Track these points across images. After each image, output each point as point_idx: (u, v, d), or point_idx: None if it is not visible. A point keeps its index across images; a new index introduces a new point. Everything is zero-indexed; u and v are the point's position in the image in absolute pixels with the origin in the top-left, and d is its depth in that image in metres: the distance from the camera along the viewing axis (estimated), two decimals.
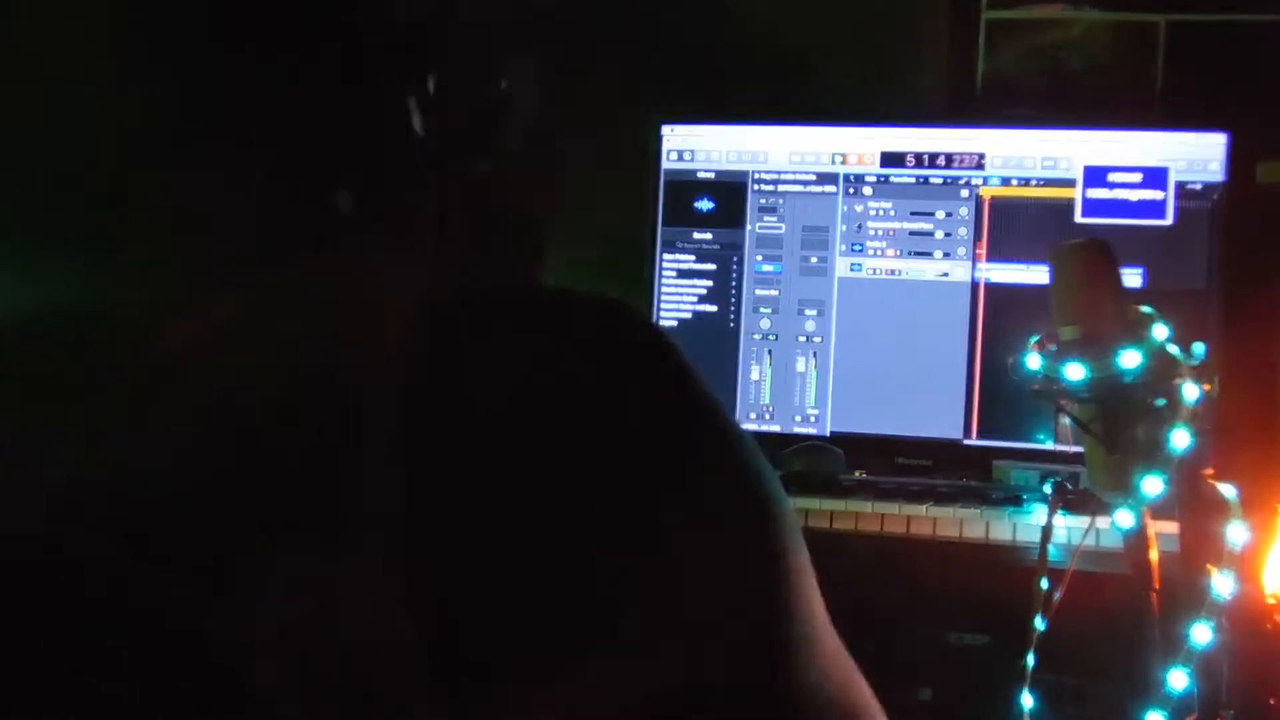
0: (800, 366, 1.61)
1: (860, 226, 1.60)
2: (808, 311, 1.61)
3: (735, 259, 1.64)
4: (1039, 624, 1.13)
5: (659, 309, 1.66)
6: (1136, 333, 1.08)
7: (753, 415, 1.63)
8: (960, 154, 1.58)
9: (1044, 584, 1.13)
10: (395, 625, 0.42)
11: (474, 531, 0.43)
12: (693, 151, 1.66)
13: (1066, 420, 1.13)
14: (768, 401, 1.62)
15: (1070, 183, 1.55)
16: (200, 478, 0.44)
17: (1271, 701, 1.17)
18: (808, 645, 0.46)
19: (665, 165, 1.66)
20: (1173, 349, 1.08)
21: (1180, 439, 1.07)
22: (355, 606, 0.43)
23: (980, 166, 1.58)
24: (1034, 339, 1.13)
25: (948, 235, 1.58)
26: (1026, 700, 1.13)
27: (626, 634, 0.44)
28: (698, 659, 0.45)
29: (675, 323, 1.65)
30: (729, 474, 0.47)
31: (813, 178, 1.62)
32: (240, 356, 0.46)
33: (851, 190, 1.61)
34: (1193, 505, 1.09)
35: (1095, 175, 1.54)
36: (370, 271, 0.50)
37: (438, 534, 0.43)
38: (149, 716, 0.42)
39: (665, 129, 1.67)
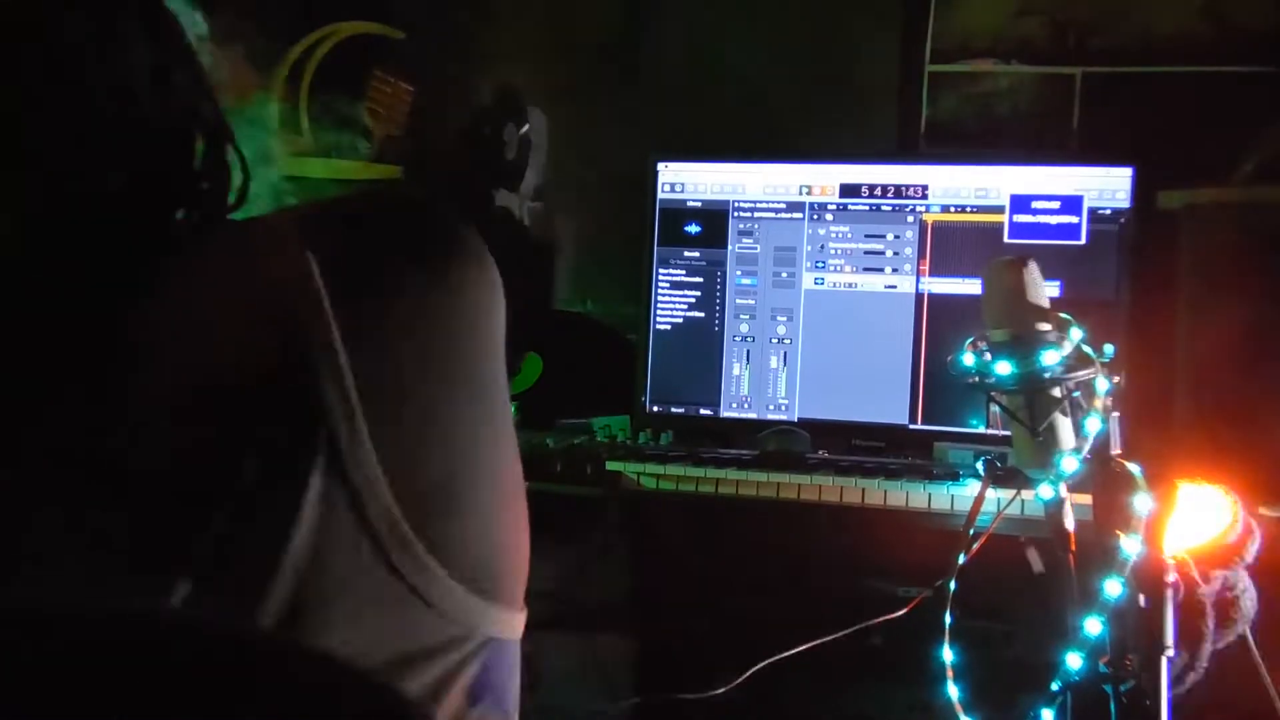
0: (773, 363, 1.59)
1: (822, 247, 1.58)
2: (779, 318, 1.60)
3: (719, 274, 1.62)
4: (960, 559, 1.12)
5: (656, 315, 1.63)
6: (1056, 335, 1.07)
7: (734, 404, 1.60)
8: (907, 186, 1.56)
9: (969, 533, 1.13)
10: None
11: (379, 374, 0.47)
12: (683, 184, 1.64)
13: (996, 409, 1.11)
14: (746, 393, 1.60)
15: (999, 209, 1.53)
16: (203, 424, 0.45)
17: (1170, 647, 1.11)
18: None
19: (660, 196, 1.64)
20: (1087, 349, 1.07)
21: (1093, 425, 1.06)
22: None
23: (924, 196, 1.55)
24: (969, 340, 1.11)
25: (896, 254, 1.56)
26: (947, 619, 1.12)
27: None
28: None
29: (669, 326, 1.63)
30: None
31: (783, 206, 1.60)
32: (200, 316, 0.47)
33: (815, 216, 1.59)
34: (1104, 480, 1.06)
35: (1020, 203, 1.52)
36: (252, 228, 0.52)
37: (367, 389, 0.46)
38: None
39: (660, 165, 1.64)
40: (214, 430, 0.45)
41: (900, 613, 1.19)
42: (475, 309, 0.52)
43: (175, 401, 0.45)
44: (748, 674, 1.26)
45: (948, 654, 1.11)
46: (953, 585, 1.10)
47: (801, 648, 1.22)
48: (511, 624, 0.52)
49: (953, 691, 1.11)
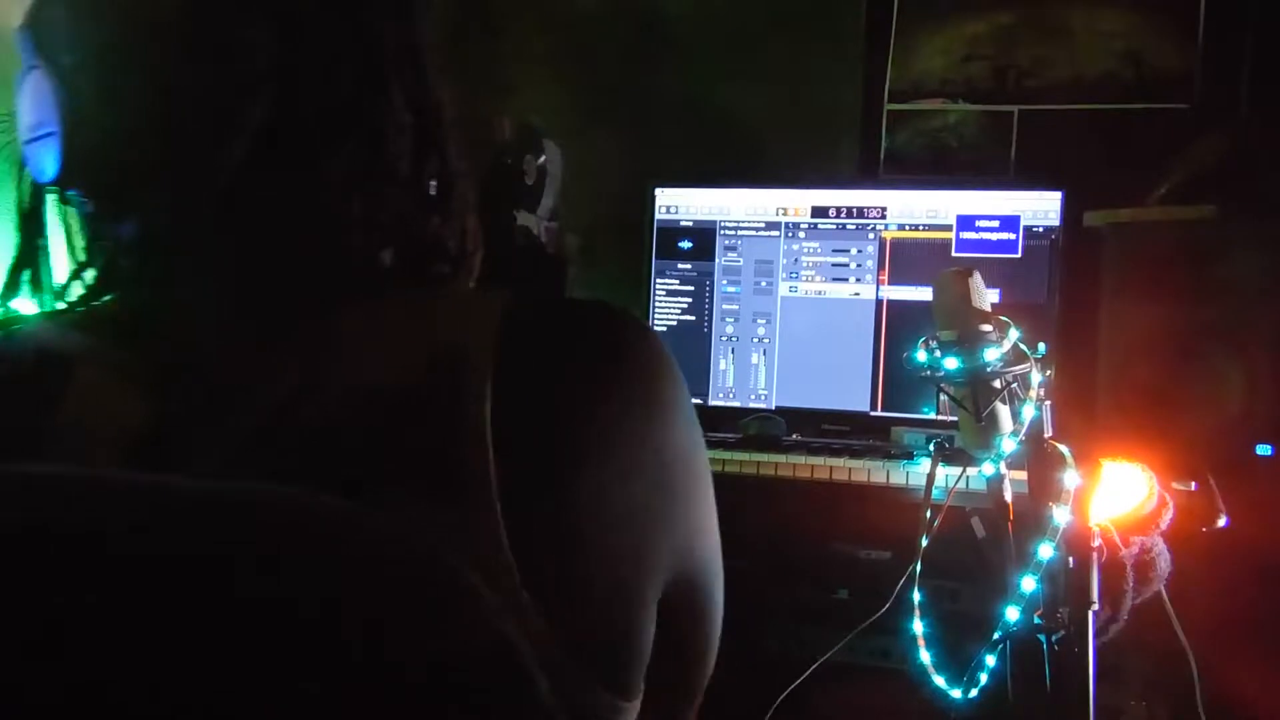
0: (754, 359, 1.57)
1: (796, 260, 1.56)
2: (759, 320, 1.57)
3: (707, 283, 1.60)
4: (924, 542, 1.09)
5: (653, 318, 1.62)
6: (996, 335, 1.05)
7: (720, 394, 1.59)
8: (868, 207, 1.54)
9: (927, 514, 1.10)
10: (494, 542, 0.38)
11: (538, 469, 0.40)
12: (677, 206, 1.62)
13: (945, 398, 1.09)
14: (731, 384, 1.58)
15: (948, 227, 1.50)
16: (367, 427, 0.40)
17: (1096, 602, 1.10)
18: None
19: (657, 216, 1.62)
20: (1023, 347, 1.05)
21: (1028, 412, 1.04)
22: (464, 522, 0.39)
23: (883, 216, 1.53)
24: (922, 339, 1.08)
25: (859, 266, 1.54)
26: (916, 596, 1.10)
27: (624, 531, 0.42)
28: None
29: (665, 328, 1.61)
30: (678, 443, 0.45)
31: (762, 225, 1.58)
32: (391, 348, 0.42)
33: (790, 234, 1.57)
34: (1038, 459, 1.04)
35: (966, 222, 1.50)
36: (463, 292, 0.48)
37: (514, 472, 0.39)
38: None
39: (657, 190, 1.62)
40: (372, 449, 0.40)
41: (883, 609, 1.16)
42: (649, 452, 0.43)
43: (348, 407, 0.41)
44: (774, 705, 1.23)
45: (918, 625, 1.09)
46: (919, 567, 1.08)
47: (815, 665, 1.19)
48: (632, 713, 0.43)
49: (924, 656, 1.08)
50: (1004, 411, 1.04)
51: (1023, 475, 1.07)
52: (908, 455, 1.37)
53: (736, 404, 1.57)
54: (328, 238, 0.44)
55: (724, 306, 1.59)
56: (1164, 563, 1.16)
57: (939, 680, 1.08)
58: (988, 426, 1.04)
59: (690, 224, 1.60)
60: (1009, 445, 1.03)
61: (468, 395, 0.40)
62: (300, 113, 0.43)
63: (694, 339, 1.59)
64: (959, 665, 1.08)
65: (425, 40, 0.47)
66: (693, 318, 1.59)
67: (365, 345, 0.42)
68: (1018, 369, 1.04)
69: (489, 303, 0.43)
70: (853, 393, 1.52)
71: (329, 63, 0.43)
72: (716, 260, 1.59)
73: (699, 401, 1.59)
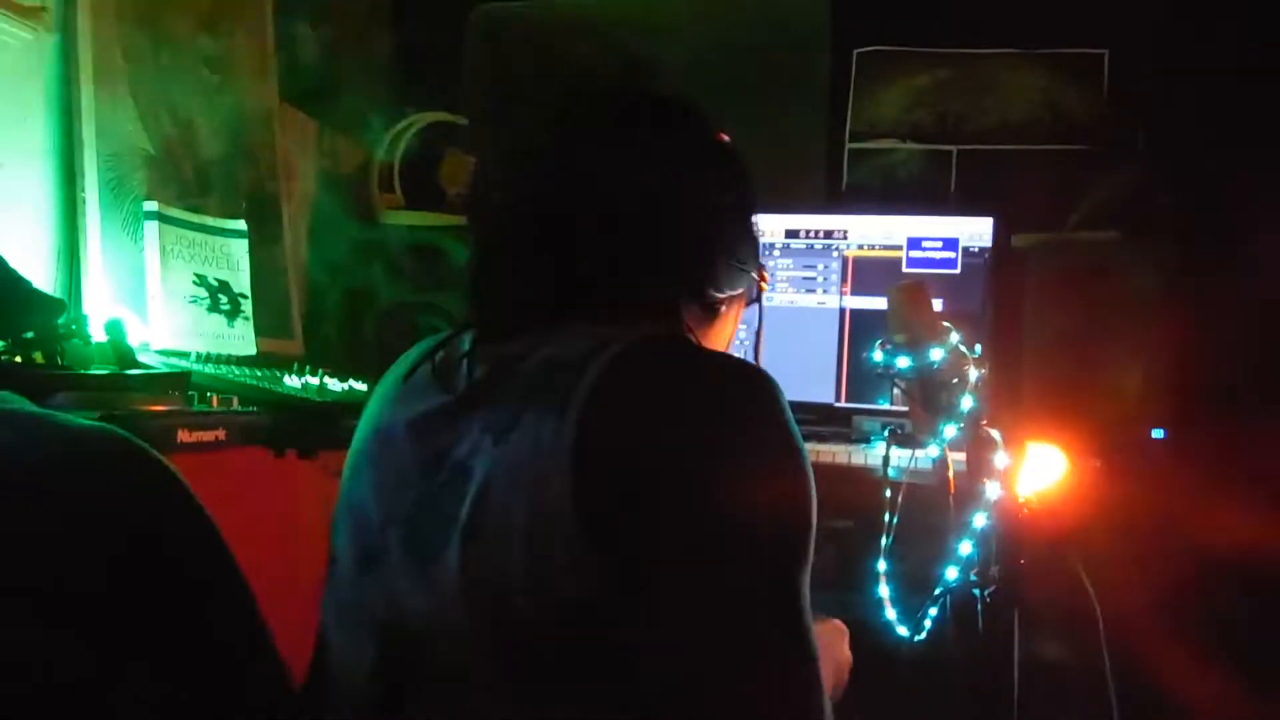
0: None
1: (772, 274, 1.60)
2: (741, 326, 1.57)
3: None
4: (888, 518, 1.12)
5: None
6: (941, 338, 1.08)
7: None
8: (833, 230, 1.59)
9: (887, 493, 1.13)
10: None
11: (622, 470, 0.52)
12: None
13: (898, 391, 1.12)
14: None
15: (899, 247, 1.56)
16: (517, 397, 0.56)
17: (1021, 561, 1.16)
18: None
19: None
20: (962, 348, 1.08)
21: (967, 403, 1.07)
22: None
23: (845, 238, 1.59)
24: (878, 341, 1.12)
25: (825, 279, 1.59)
26: (882, 565, 1.13)
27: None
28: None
29: None
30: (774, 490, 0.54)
31: None
32: (535, 357, 0.58)
33: (766, 253, 1.61)
34: (975, 443, 1.09)
35: (914, 243, 1.56)
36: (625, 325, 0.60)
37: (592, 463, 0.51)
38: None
39: None
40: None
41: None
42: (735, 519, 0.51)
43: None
44: None
45: (884, 590, 1.11)
46: (887, 539, 1.10)
47: None
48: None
49: (890, 613, 1.11)
50: (947, 402, 1.07)
51: (962, 456, 1.11)
52: (866, 439, 1.42)
53: None
54: (584, 291, 0.62)
55: None
56: None
57: (901, 630, 1.11)
58: (933, 415, 1.07)
59: None
60: (950, 431, 1.07)
61: (589, 372, 0.54)
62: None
63: None
64: (908, 615, 1.11)
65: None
66: None
67: (565, 340, 0.58)
68: (959, 367, 1.06)
69: (635, 331, 0.57)
70: (820, 386, 1.56)
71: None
72: None
73: None
